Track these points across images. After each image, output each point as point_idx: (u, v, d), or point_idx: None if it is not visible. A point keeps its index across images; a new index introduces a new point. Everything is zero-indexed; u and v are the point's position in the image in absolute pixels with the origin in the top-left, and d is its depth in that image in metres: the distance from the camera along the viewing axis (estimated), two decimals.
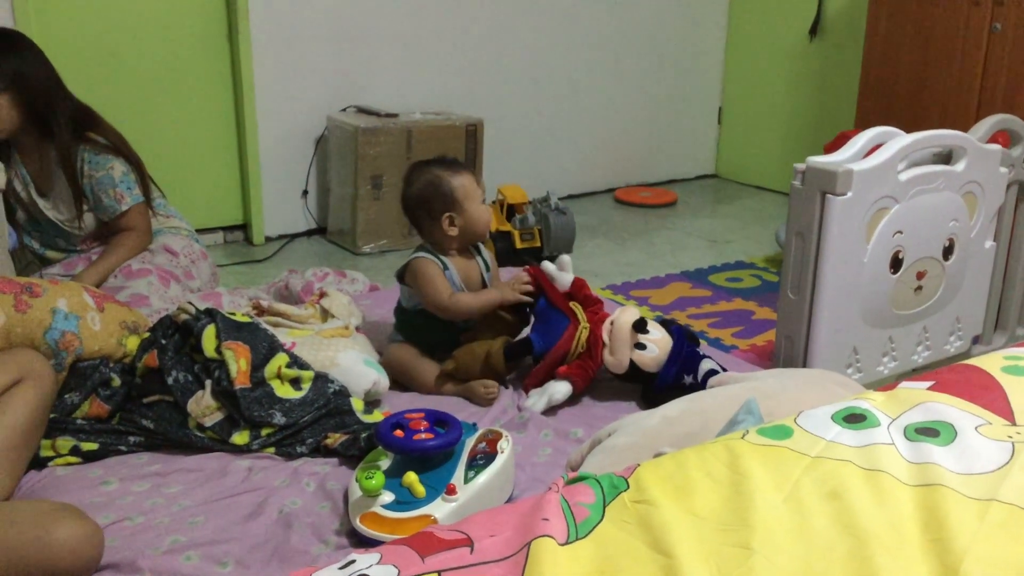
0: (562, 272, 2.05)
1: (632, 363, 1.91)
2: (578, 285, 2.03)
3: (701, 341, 2.10)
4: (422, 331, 2.04)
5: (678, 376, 1.90)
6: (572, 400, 1.92)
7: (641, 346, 1.90)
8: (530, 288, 2.02)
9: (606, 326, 1.94)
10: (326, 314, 2.11)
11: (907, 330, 2.38)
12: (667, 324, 1.99)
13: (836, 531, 0.83)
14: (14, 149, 2.46)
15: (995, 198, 2.42)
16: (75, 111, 2.45)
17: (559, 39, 4.45)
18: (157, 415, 1.71)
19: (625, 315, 1.94)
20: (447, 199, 1.99)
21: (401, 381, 1.99)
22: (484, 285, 2.08)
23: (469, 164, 3.78)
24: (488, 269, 2.10)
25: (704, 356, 1.94)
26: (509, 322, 2.05)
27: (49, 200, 2.49)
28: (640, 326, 1.91)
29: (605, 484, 0.97)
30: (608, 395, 1.96)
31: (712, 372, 1.89)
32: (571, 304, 1.98)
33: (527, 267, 2.07)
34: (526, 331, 2.04)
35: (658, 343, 1.91)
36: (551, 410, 1.88)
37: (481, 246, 2.11)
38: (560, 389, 1.88)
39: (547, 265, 2.06)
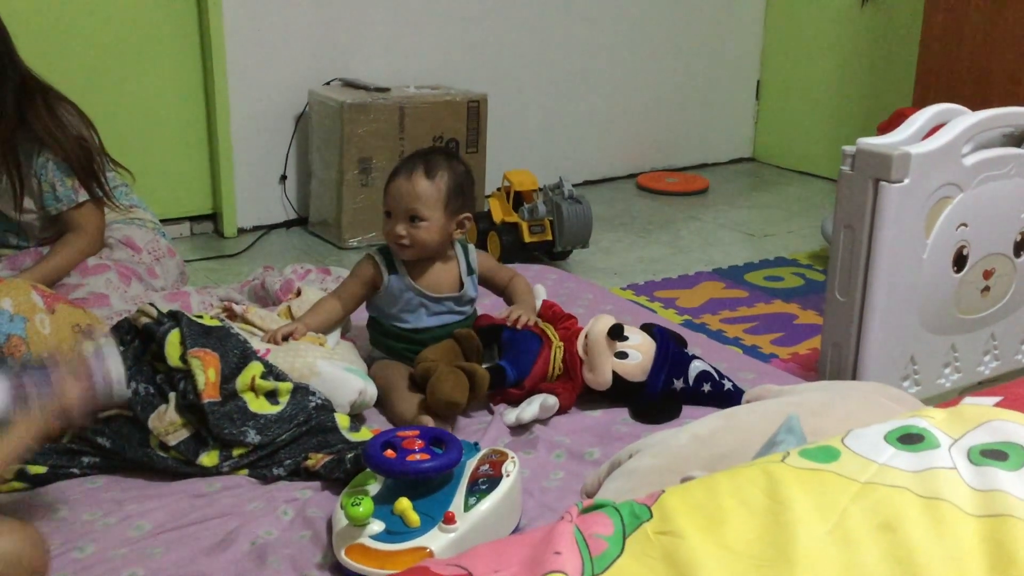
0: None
1: (616, 376, 1.91)
2: (546, 305, 2.09)
3: (711, 343, 2.11)
4: (387, 341, 2.05)
5: (667, 382, 1.91)
6: (588, 416, 1.92)
7: (622, 355, 1.91)
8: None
9: (580, 340, 1.95)
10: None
11: (972, 337, 2.37)
12: (647, 328, 2.01)
13: (889, 567, 0.84)
14: None
15: None
16: (24, 84, 2.42)
17: (574, 2, 4.45)
18: (114, 432, 1.71)
19: (599, 324, 1.95)
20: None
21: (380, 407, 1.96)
22: (462, 289, 2.05)
23: (471, 144, 3.79)
24: (472, 272, 2.06)
25: (693, 357, 1.96)
26: (469, 348, 2.00)
27: None
28: (616, 333, 1.91)
29: (625, 513, 0.97)
30: None
31: (704, 374, 1.91)
32: (539, 325, 2.01)
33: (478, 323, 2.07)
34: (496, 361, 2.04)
35: (640, 348, 1.91)
36: (566, 429, 1.87)
37: (468, 244, 2.09)
38: (549, 400, 1.86)
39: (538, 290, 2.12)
